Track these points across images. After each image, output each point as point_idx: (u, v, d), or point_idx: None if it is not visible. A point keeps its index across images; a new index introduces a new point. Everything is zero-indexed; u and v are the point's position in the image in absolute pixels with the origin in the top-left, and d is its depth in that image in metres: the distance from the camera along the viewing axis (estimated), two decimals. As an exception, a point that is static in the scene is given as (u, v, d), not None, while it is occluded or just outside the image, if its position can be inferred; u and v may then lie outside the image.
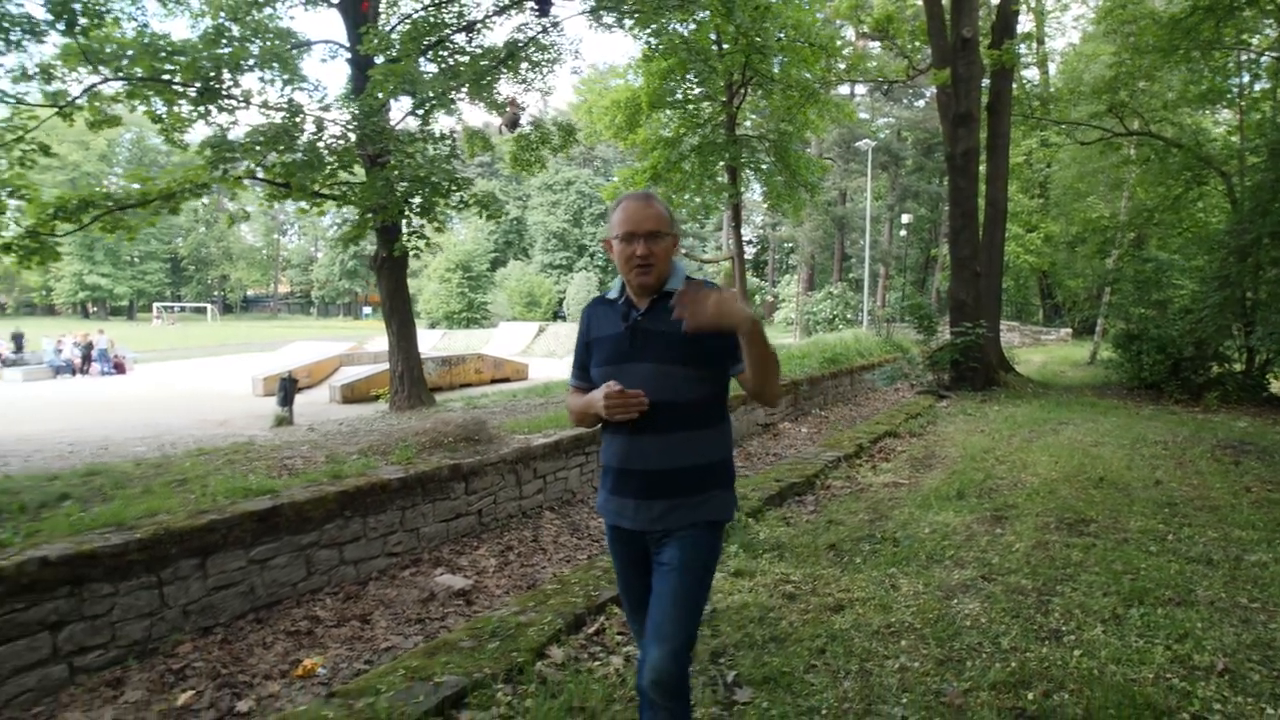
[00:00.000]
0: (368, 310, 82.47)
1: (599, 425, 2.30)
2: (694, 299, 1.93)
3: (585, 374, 2.38)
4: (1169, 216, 17.36)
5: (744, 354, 2.07)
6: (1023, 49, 16.86)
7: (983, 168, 14.87)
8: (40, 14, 8.68)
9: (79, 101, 9.65)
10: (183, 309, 77.08)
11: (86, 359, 25.30)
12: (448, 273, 59.54)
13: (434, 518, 6.47)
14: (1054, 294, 35.55)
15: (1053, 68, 25.66)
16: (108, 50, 9.16)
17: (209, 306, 77.79)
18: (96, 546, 4.33)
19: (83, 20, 8.36)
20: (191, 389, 20.89)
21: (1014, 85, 15.71)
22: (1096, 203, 23.43)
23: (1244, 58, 15.44)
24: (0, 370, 25.27)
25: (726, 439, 2.32)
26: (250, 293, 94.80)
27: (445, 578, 5.77)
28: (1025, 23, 20.68)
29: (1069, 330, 33.47)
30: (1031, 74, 23.30)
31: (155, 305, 74.13)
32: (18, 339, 28.44)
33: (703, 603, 2.23)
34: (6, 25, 8.01)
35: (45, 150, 9.27)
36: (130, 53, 9.37)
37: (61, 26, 8.41)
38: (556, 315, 55.78)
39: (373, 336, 36.20)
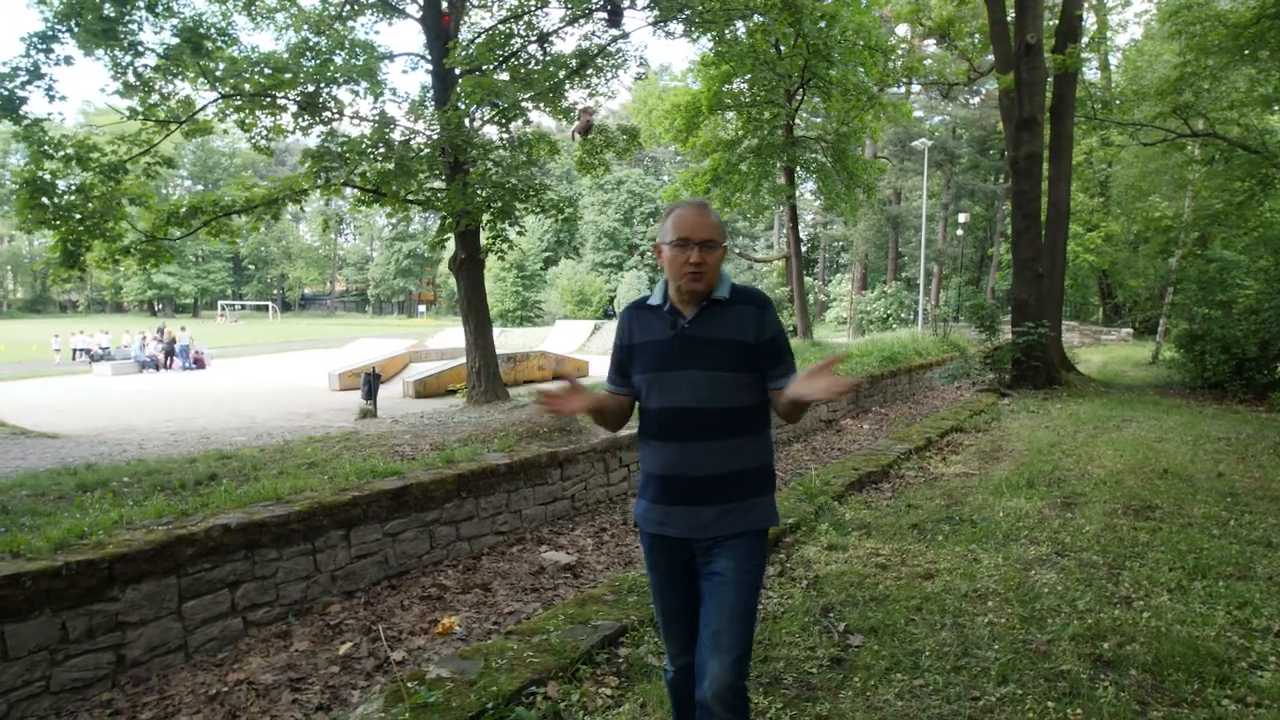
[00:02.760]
0: (422, 309, 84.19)
1: (630, 432, 2.42)
2: (828, 380, 2.03)
3: (625, 378, 2.37)
4: (1234, 216, 17.22)
5: (793, 405, 2.16)
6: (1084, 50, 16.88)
7: (1044, 166, 15.02)
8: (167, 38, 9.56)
9: (197, 115, 10.47)
10: (244, 307, 79.42)
11: (169, 354, 26.64)
12: (503, 272, 60.58)
13: (534, 501, 7.10)
14: (1114, 294, 35.01)
15: (1114, 61, 25.45)
16: (224, 69, 9.96)
17: (270, 304, 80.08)
18: (265, 517, 5.00)
19: (208, 45, 9.15)
20: (269, 383, 21.86)
21: (1077, 87, 15.79)
22: (1159, 202, 23.19)
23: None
24: (90, 365, 26.83)
25: (769, 445, 2.33)
26: (308, 291, 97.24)
27: (551, 554, 6.37)
28: (1087, 18, 20.57)
29: (1130, 330, 33.00)
30: (1092, 71, 23.19)
31: (219, 303, 76.62)
32: (161, 331, 29.56)
33: (756, 612, 2.25)
34: (143, 50, 8.83)
35: (169, 163, 10.13)
36: (243, 70, 10.16)
37: (187, 50, 9.23)
38: (606, 314, 56.43)
39: (431, 334, 37.11)
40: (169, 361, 26.52)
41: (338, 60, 11.36)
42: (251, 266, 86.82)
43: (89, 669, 4.15)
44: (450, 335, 32.35)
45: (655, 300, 2.32)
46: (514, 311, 60.89)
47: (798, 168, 21.22)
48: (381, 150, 10.59)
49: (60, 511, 5.46)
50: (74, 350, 31.54)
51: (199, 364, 26.78)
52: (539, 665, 3.13)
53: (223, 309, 74.55)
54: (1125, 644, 3.44)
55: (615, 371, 2.41)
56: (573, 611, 3.73)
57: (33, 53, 8.63)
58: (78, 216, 9.22)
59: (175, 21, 9.38)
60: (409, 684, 2.93)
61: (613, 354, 2.43)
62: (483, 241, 12.37)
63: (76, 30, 8.69)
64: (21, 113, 8.51)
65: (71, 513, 5.14)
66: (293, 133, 11.94)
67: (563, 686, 3.06)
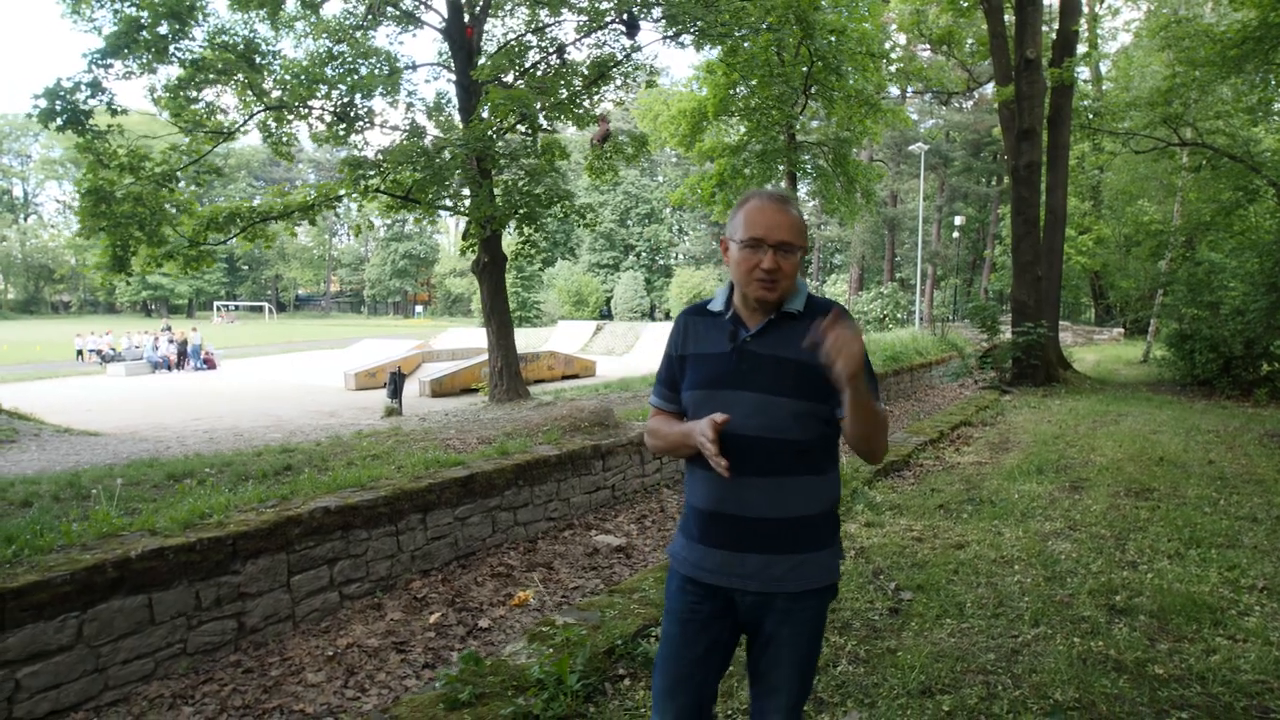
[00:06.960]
0: (419, 309, 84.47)
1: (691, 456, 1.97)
2: (841, 335, 1.66)
3: (675, 393, 2.05)
4: (1221, 221, 17.87)
5: (844, 401, 1.77)
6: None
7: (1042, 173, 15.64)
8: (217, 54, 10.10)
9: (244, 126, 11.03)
10: (239, 307, 79.42)
11: (182, 355, 27.10)
12: (501, 272, 60.91)
13: (580, 489, 7.67)
14: (1106, 294, 35.79)
15: (1104, 67, 26.15)
16: (268, 84, 10.52)
17: (266, 305, 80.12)
18: (356, 501, 5.54)
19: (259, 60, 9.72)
20: (283, 383, 22.31)
21: (1073, 99, 16.44)
22: (1148, 206, 23.89)
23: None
24: (103, 365, 27.25)
25: (835, 487, 1.99)
26: (302, 291, 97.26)
27: (602, 537, 6.95)
28: (1081, 30, 21.21)
29: (1121, 330, 33.80)
30: (1084, 78, 23.84)
31: (216, 304, 76.60)
32: (193, 331, 29.56)
33: (815, 667, 2.02)
34: (204, 67, 9.38)
35: (217, 172, 10.66)
36: (285, 82, 10.71)
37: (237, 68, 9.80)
38: (603, 314, 57.03)
39: (435, 334, 37.58)
40: (181, 362, 26.96)
41: (363, 70, 11.86)
42: (246, 267, 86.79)
43: (216, 634, 4.67)
44: (456, 335, 32.91)
45: (717, 305, 2.02)
46: (513, 312, 61.28)
47: (798, 172, 21.77)
48: (421, 159, 11.11)
49: (164, 497, 5.99)
50: (78, 351, 31.94)
51: (210, 364, 27.23)
52: (645, 615, 3.72)
53: (220, 309, 74.59)
54: (1134, 597, 4.06)
55: (664, 385, 2.09)
56: (660, 575, 4.31)
57: (94, 68, 9.16)
58: (136, 223, 9.74)
59: (226, 37, 9.95)
60: (543, 629, 3.51)
61: (662, 364, 2.11)
62: (510, 247, 12.93)
63: (136, 46, 9.20)
64: (87, 125, 9.04)
65: (180, 498, 5.65)
66: (326, 141, 12.46)
67: (669, 631, 3.64)
